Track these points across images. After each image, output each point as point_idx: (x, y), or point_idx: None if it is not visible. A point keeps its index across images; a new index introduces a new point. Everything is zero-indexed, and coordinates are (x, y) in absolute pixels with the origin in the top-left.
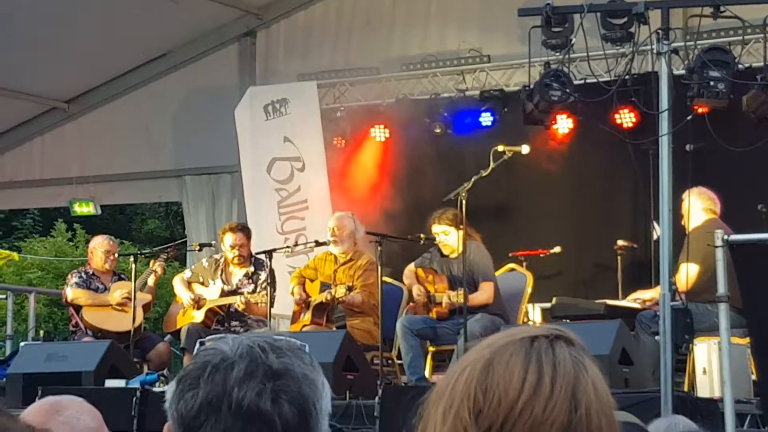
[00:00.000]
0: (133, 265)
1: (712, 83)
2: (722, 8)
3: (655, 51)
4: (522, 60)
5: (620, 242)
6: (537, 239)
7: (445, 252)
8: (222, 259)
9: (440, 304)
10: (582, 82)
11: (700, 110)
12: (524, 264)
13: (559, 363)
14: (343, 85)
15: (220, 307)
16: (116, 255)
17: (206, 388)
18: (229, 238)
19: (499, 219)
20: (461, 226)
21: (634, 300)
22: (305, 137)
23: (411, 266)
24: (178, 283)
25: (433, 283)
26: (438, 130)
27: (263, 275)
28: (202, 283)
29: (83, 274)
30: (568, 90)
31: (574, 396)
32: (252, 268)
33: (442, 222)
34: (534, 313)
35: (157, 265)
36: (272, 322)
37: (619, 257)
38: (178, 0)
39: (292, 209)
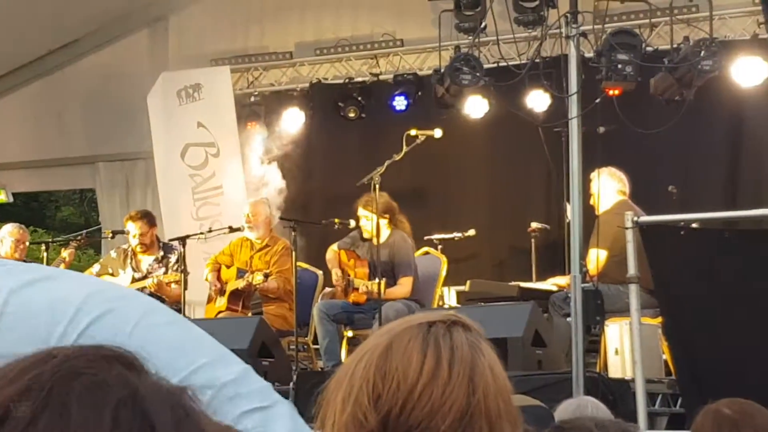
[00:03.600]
0: (45, 254)
1: (620, 66)
2: None
3: (564, 34)
4: (436, 44)
5: (534, 224)
6: (452, 222)
7: (365, 236)
8: (130, 248)
9: (358, 289)
10: (495, 65)
11: (611, 93)
12: (439, 247)
13: (457, 347)
14: (257, 69)
15: None
16: (27, 243)
17: None
18: (130, 227)
19: (414, 202)
20: (385, 215)
21: (551, 284)
22: (219, 123)
23: (334, 247)
24: None
25: (353, 268)
26: (352, 115)
27: (173, 258)
28: (112, 275)
29: None
30: (478, 74)
31: (471, 380)
32: (161, 253)
33: (367, 207)
34: (449, 296)
35: (66, 253)
36: (187, 309)
37: (533, 239)
38: None
39: (207, 195)
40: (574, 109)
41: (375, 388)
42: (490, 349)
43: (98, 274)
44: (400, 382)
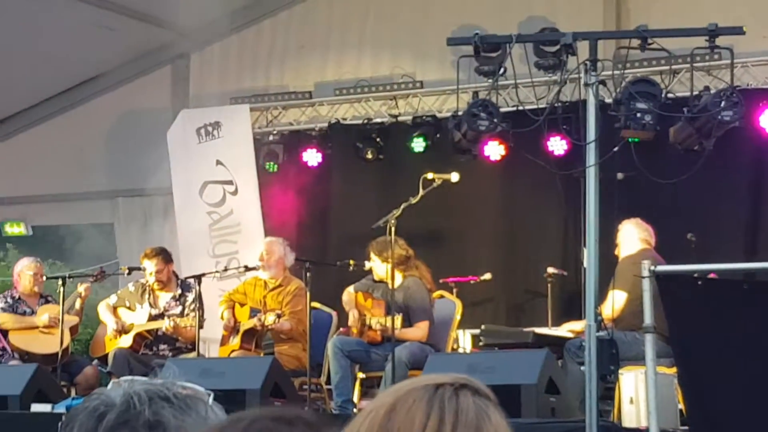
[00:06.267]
0: (62, 288)
1: (639, 115)
2: (649, 40)
3: (583, 82)
4: (455, 86)
5: (550, 270)
6: (468, 266)
7: (375, 278)
8: (148, 284)
9: (374, 328)
10: (515, 108)
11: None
12: (454, 290)
13: (462, 411)
14: (276, 108)
15: (148, 330)
16: (43, 277)
17: None
18: (147, 264)
19: (429, 245)
20: (400, 266)
21: (566, 330)
22: (238, 161)
23: (350, 289)
24: (103, 309)
25: (370, 308)
26: (370, 155)
27: (191, 297)
28: (129, 308)
29: (9, 299)
30: (495, 120)
31: None
32: (179, 291)
33: (380, 255)
34: (465, 339)
35: (82, 288)
36: (202, 346)
37: (549, 284)
38: (113, 27)
39: (224, 232)
40: (591, 157)
41: None
42: (500, 415)
43: (115, 306)
44: None
